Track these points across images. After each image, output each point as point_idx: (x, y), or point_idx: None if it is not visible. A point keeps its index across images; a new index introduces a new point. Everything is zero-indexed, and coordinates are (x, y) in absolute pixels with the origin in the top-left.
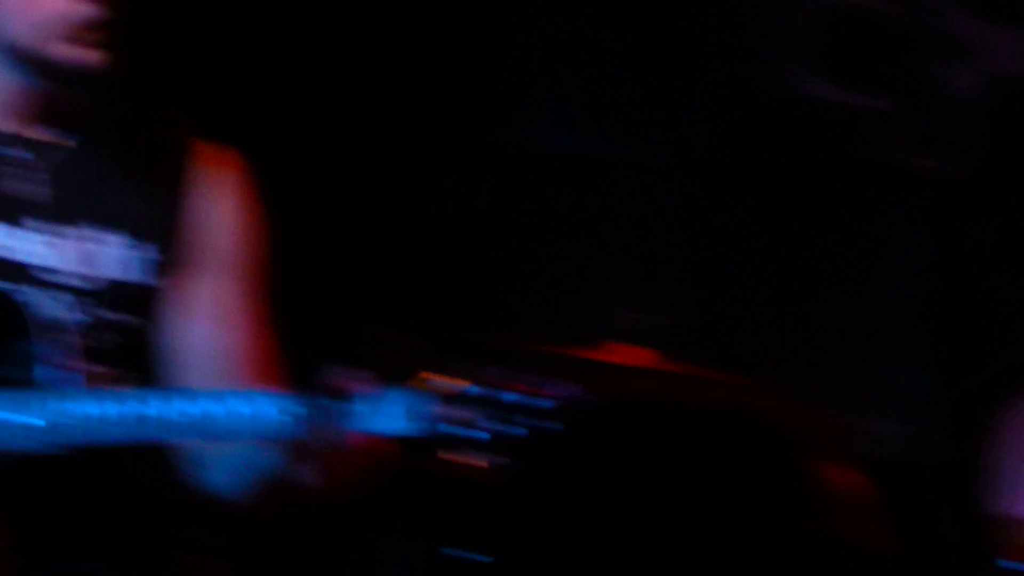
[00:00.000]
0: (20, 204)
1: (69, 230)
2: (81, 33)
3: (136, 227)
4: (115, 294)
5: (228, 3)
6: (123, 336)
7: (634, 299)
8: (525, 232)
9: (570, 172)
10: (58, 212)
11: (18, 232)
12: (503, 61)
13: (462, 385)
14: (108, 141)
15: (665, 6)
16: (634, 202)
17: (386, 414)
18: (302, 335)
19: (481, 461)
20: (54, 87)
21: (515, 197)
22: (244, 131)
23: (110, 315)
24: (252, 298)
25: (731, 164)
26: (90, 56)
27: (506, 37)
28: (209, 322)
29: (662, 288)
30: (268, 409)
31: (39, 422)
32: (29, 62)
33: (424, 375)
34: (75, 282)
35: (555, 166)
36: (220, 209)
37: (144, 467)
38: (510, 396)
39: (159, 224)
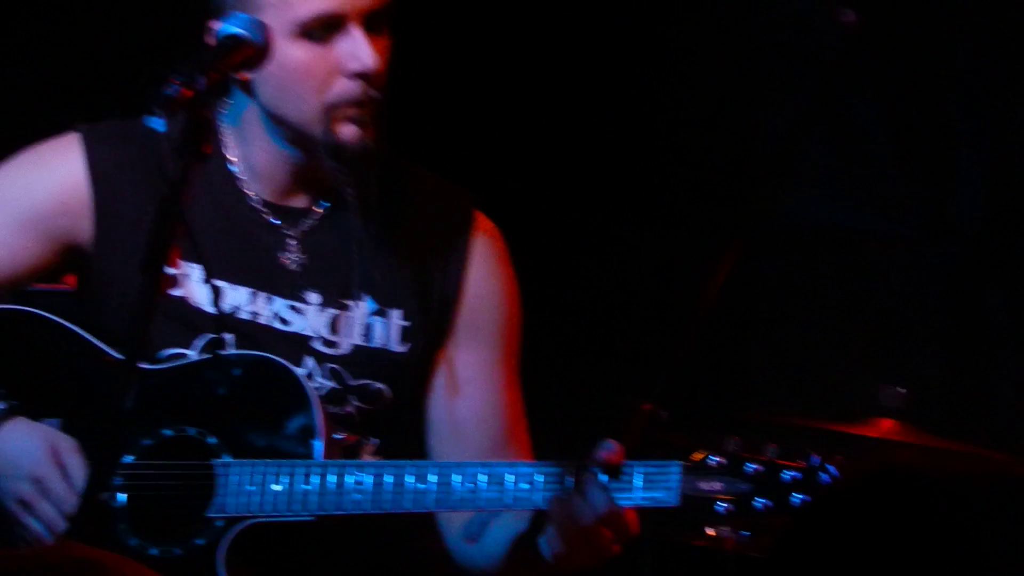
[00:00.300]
0: (276, 272)
1: (314, 296)
2: (357, 115)
3: (385, 295)
4: (362, 361)
5: (494, 78)
6: (370, 403)
7: (890, 371)
8: (781, 303)
9: (829, 245)
10: (305, 278)
11: (277, 300)
12: (769, 138)
13: (716, 457)
14: (359, 210)
15: (920, 81)
16: (891, 273)
17: (641, 485)
18: (563, 406)
19: (732, 532)
20: (316, 159)
21: (773, 269)
22: (507, 203)
23: (357, 381)
24: (514, 369)
25: (987, 235)
26: (362, 136)
27: (774, 116)
28: (473, 392)
29: (918, 360)
30: (529, 479)
31: (307, 489)
32: (301, 139)
33: (680, 447)
34: (324, 349)
35: (815, 239)
36: (483, 280)
37: (399, 536)
38: (762, 468)
39: (410, 292)
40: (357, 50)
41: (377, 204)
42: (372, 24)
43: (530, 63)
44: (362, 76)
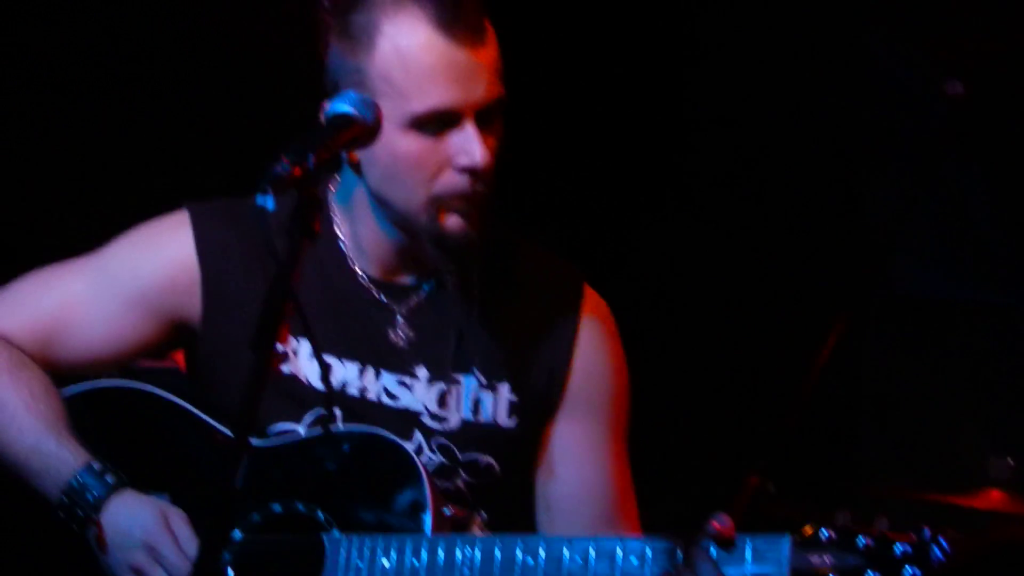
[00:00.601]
0: (384, 348)
1: (422, 371)
2: (462, 207)
3: (494, 370)
4: (470, 435)
5: (598, 162)
6: (479, 477)
7: (999, 443)
8: (889, 375)
9: (937, 316)
10: (413, 354)
11: (385, 375)
12: (877, 210)
13: (827, 531)
14: (460, 295)
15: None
16: (999, 344)
17: (751, 559)
18: (672, 480)
19: None
20: (419, 243)
21: (881, 341)
22: (620, 279)
23: (466, 456)
24: (622, 443)
25: None
26: (466, 227)
27: (882, 188)
28: (582, 466)
29: None
30: (639, 554)
31: (417, 564)
32: (405, 224)
33: (790, 520)
34: (433, 424)
35: (923, 310)
36: (591, 355)
37: None
38: (872, 542)
39: (519, 367)
40: (468, 145)
41: (479, 288)
42: (484, 118)
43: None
44: (471, 171)
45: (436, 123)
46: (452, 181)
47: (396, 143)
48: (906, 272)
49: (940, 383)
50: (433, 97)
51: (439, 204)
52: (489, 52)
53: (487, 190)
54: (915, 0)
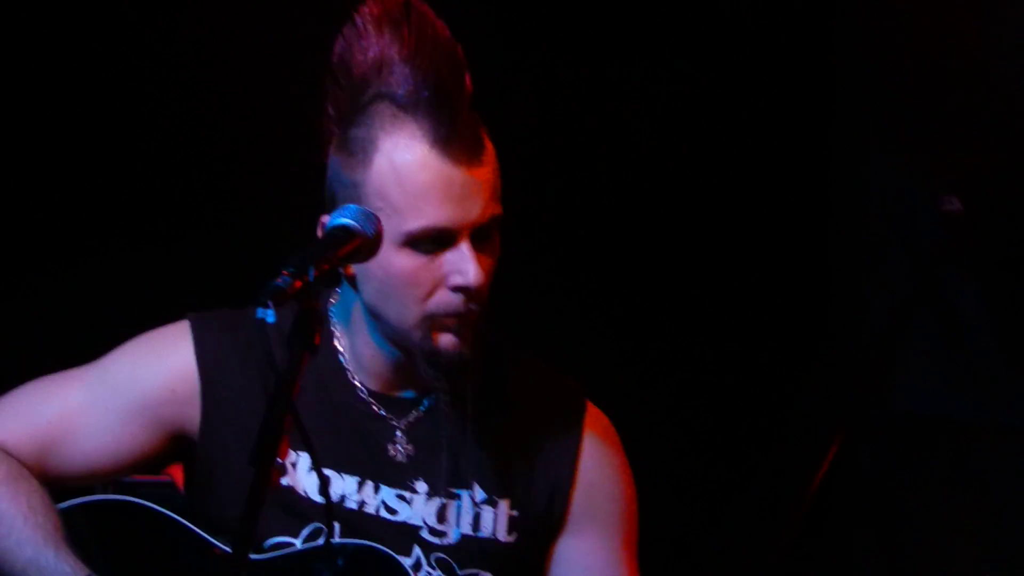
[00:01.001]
0: (383, 462)
1: (421, 486)
2: (456, 325)
3: (493, 485)
4: (470, 551)
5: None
6: None
7: (996, 562)
8: (884, 492)
9: (934, 433)
10: (412, 468)
11: (384, 489)
12: (873, 326)
13: None
14: (452, 411)
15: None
16: (997, 463)
17: None
18: None
19: None
20: (413, 360)
21: (877, 458)
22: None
23: (465, 571)
24: (632, 554)
25: None
26: (459, 345)
27: (878, 303)
28: None
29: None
30: None
31: None
32: (399, 341)
33: None
34: (432, 539)
35: (919, 428)
36: (596, 469)
37: None
38: None
39: (519, 482)
40: (462, 265)
41: (476, 403)
42: (480, 235)
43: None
44: (464, 290)
45: (431, 242)
46: (445, 300)
47: (390, 260)
48: (904, 387)
49: (936, 501)
50: (428, 216)
51: (432, 322)
52: (486, 170)
53: (481, 309)
54: (914, 119)
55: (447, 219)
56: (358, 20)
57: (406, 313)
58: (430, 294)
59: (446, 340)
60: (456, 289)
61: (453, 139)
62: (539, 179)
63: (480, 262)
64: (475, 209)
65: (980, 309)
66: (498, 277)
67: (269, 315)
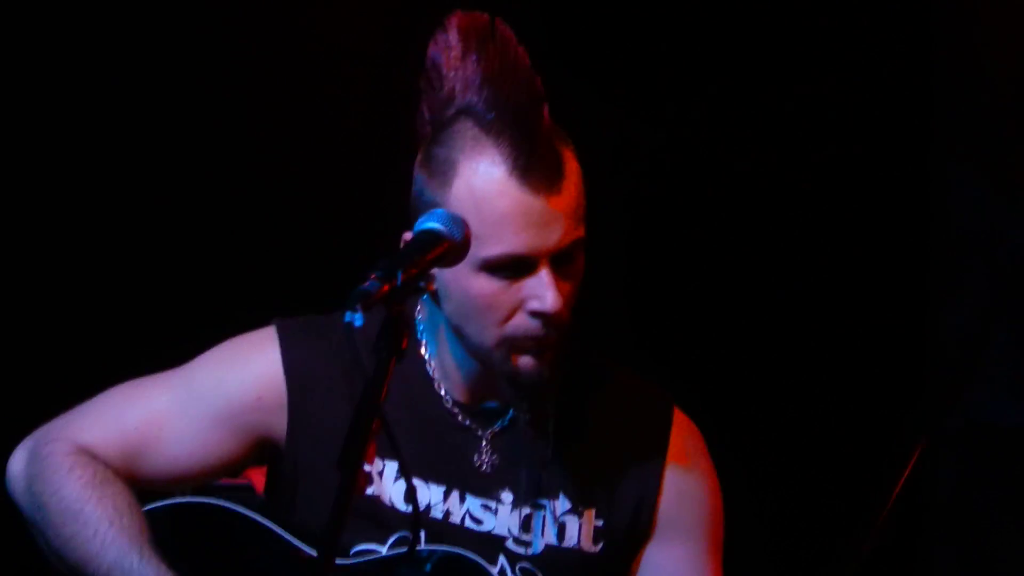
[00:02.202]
0: (469, 472)
1: (507, 496)
2: (535, 348)
3: (579, 495)
4: (555, 560)
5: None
6: None
7: None
8: (962, 503)
9: (1013, 445)
10: (497, 478)
11: (470, 499)
12: (954, 337)
13: None
14: (534, 427)
15: None
16: None
17: None
18: None
19: None
20: (495, 375)
21: (956, 469)
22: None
23: None
24: (718, 562)
25: None
26: (539, 367)
27: (959, 315)
28: None
29: None
30: None
31: None
32: (482, 359)
33: None
34: (517, 548)
35: (1003, 441)
36: (682, 478)
37: None
38: None
39: (605, 492)
40: (541, 291)
41: (561, 414)
42: (560, 260)
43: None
44: (542, 316)
45: (509, 268)
46: (524, 324)
47: (469, 282)
48: (982, 399)
49: (1019, 503)
50: (506, 243)
51: (511, 344)
52: (567, 195)
53: (560, 332)
54: (993, 144)
55: (525, 247)
56: (448, 29)
57: (485, 334)
58: (508, 317)
59: (525, 362)
60: (534, 314)
61: (532, 167)
62: (632, 186)
63: (559, 287)
64: (554, 236)
65: None
66: (588, 286)
67: (357, 319)
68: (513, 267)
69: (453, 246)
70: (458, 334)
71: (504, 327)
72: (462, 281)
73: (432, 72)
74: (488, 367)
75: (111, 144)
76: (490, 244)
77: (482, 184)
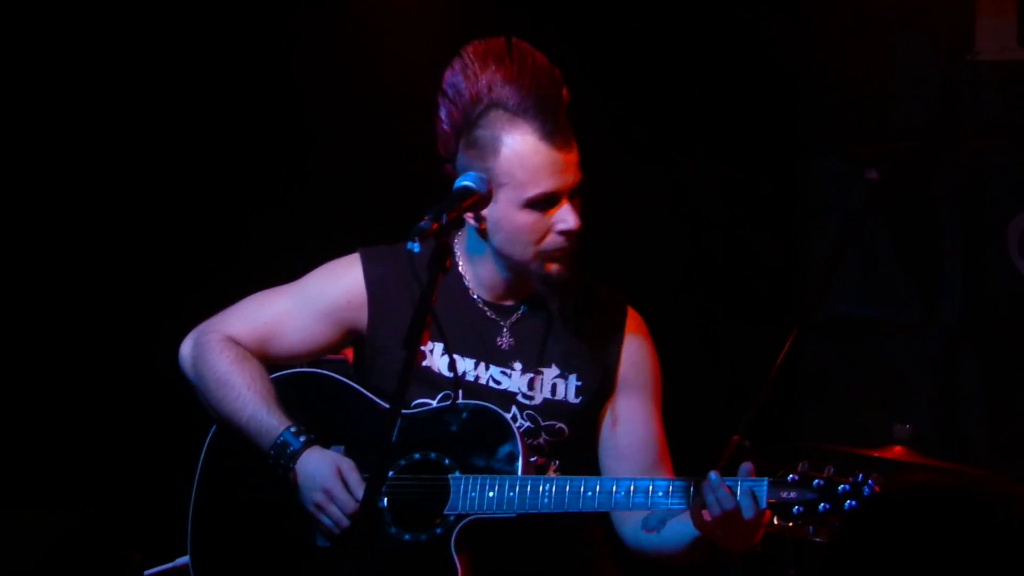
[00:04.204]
0: (492, 349)
1: (518, 365)
2: (561, 256)
3: (566, 364)
4: (548, 409)
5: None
6: (555, 437)
7: (899, 415)
8: (828, 373)
9: (857, 332)
10: (512, 353)
11: (492, 368)
12: (818, 257)
13: (792, 475)
14: (549, 307)
15: (918, 216)
16: (901, 351)
17: (747, 494)
18: (685, 437)
19: (804, 527)
20: (526, 279)
21: (822, 350)
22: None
23: (546, 422)
24: (658, 412)
25: (969, 324)
26: (564, 269)
27: (822, 243)
28: (632, 427)
29: (919, 408)
30: (665, 490)
31: (512, 495)
32: (518, 269)
33: (765, 468)
34: (524, 400)
35: (849, 328)
36: (635, 352)
37: (573, 530)
38: (823, 482)
39: (583, 361)
40: (567, 216)
41: (571, 306)
42: (573, 194)
43: None
44: (567, 233)
45: (544, 202)
46: (555, 241)
47: (515, 217)
48: (837, 298)
49: (860, 372)
50: (542, 185)
51: (545, 256)
52: (574, 150)
53: (577, 244)
54: (846, 116)
55: (555, 186)
56: (464, 56)
57: (527, 252)
58: (543, 238)
59: (555, 267)
60: (560, 232)
61: (555, 132)
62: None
63: (574, 209)
64: (570, 177)
65: (889, 242)
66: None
67: (415, 247)
68: (546, 201)
69: (481, 197)
70: (503, 256)
71: (540, 245)
72: (512, 217)
73: (451, 90)
74: (522, 276)
75: (210, 141)
76: (531, 187)
77: (522, 148)
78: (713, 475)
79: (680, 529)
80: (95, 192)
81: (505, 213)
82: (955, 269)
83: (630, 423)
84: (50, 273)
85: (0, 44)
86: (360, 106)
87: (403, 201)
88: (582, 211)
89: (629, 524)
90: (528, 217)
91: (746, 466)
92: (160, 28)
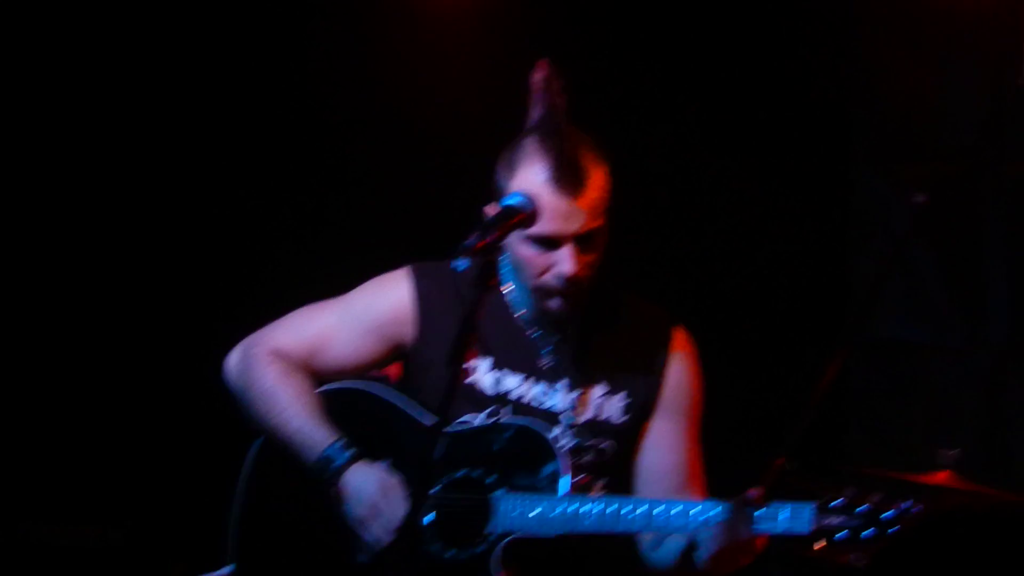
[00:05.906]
0: (539, 366)
1: (565, 382)
2: (558, 295)
3: (613, 383)
4: (594, 427)
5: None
6: (599, 456)
7: (944, 439)
8: (874, 396)
9: (903, 355)
10: (558, 371)
11: (540, 384)
12: (863, 280)
13: (832, 498)
14: (595, 325)
15: (965, 240)
16: (947, 375)
17: (778, 518)
18: (728, 460)
19: (845, 553)
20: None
21: (868, 373)
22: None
23: (590, 441)
24: (697, 434)
25: (1014, 347)
26: (561, 308)
27: (868, 265)
28: (668, 450)
29: (965, 432)
30: (702, 511)
31: (555, 515)
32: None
33: (810, 492)
34: (570, 419)
35: (894, 351)
36: (679, 373)
37: (614, 548)
38: (864, 507)
39: (630, 381)
40: (562, 261)
41: (591, 334)
42: (582, 240)
43: None
44: (559, 277)
45: (543, 243)
46: (551, 281)
47: (518, 247)
48: (883, 321)
49: (905, 395)
50: (540, 227)
51: (542, 291)
52: (589, 195)
53: (579, 288)
54: (893, 137)
55: (552, 231)
56: (537, 71)
57: (528, 282)
58: (543, 273)
59: (553, 304)
60: (555, 276)
61: (563, 177)
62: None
63: (579, 258)
64: (574, 225)
65: (935, 267)
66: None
67: (461, 265)
68: (545, 243)
69: (527, 215)
70: (516, 280)
71: (538, 280)
72: (515, 247)
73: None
74: (538, 301)
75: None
76: (535, 226)
77: (529, 185)
78: (754, 490)
79: (674, 546)
80: (150, 204)
81: (512, 239)
82: (1000, 292)
83: (658, 446)
84: (101, 288)
85: (35, 45)
86: (420, 123)
87: (458, 216)
88: (602, 252)
89: (644, 544)
90: (529, 251)
91: (754, 491)
92: (228, 44)
